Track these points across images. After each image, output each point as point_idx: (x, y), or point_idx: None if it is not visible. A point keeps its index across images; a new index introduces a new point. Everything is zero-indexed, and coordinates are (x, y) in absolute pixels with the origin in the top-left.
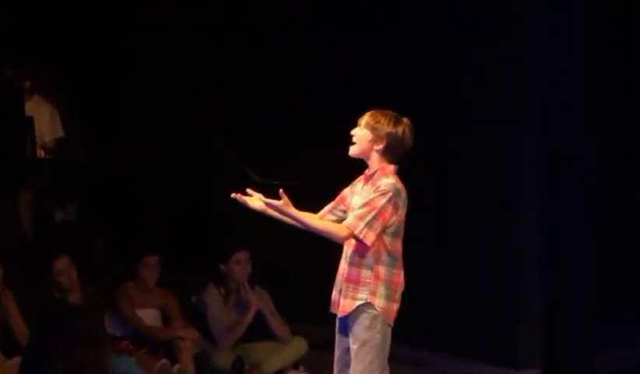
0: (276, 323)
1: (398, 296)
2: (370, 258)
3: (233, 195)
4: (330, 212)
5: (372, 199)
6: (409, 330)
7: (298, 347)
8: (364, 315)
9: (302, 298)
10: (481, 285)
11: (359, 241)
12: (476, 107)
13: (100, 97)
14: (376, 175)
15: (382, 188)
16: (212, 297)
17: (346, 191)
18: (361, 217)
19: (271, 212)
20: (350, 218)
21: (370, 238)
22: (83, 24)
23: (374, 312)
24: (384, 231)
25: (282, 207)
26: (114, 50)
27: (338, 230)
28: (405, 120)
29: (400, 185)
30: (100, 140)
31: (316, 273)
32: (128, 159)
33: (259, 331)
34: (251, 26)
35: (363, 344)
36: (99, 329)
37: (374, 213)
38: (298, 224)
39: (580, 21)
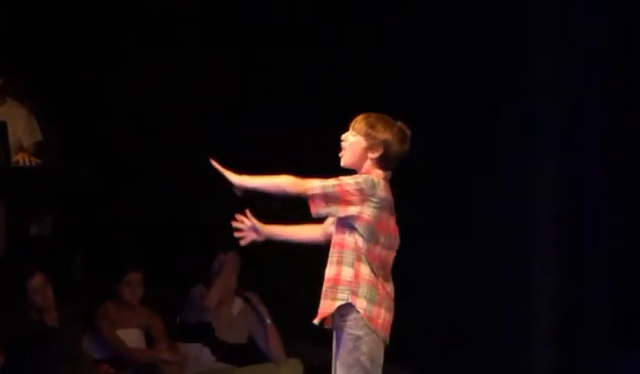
0: (272, 335)
1: (384, 303)
2: (350, 255)
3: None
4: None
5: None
6: (411, 355)
7: (293, 370)
8: (352, 323)
9: (297, 317)
10: (487, 305)
11: (307, 201)
12: (486, 111)
13: (79, 101)
14: None
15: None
16: (196, 297)
17: None
18: (322, 182)
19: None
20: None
21: (317, 205)
22: (61, 23)
23: (357, 315)
24: (352, 225)
25: (259, 238)
26: (95, 50)
27: (284, 181)
28: (400, 124)
29: (382, 184)
30: (78, 147)
31: (312, 290)
32: (109, 167)
33: (252, 353)
34: (243, 29)
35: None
36: (78, 351)
37: (335, 182)
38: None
39: (593, 27)
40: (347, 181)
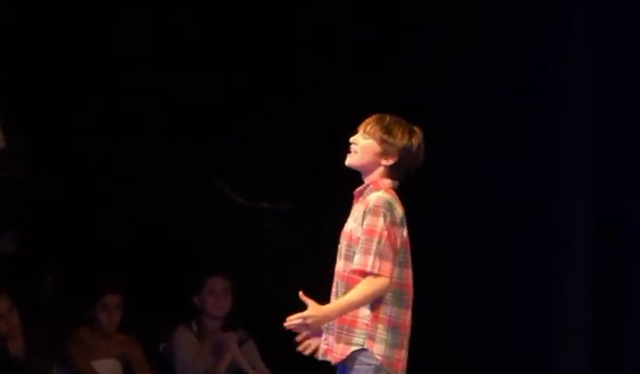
0: None
1: (406, 341)
2: None
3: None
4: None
5: (367, 226)
6: None
7: None
8: (362, 368)
9: (289, 346)
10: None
11: (375, 275)
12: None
13: (48, 100)
14: (367, 190)
15: (371, 205)
16: (183, 339)
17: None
18: (366, 250)
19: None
20: (356, 259)
21: (387, 269)
22: (32, 26)
23: (373, 363)
24: None
25: (317, 325)
26: (67, 46)
27: (367, 286)
28: (417, 130)
29: (395, 200)
30: (47, 153)
31: None
32: (82, 176)
33: None
34: (240, 33)
35: None
36: None
37: (376, 239)
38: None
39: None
40: (379, 224)
